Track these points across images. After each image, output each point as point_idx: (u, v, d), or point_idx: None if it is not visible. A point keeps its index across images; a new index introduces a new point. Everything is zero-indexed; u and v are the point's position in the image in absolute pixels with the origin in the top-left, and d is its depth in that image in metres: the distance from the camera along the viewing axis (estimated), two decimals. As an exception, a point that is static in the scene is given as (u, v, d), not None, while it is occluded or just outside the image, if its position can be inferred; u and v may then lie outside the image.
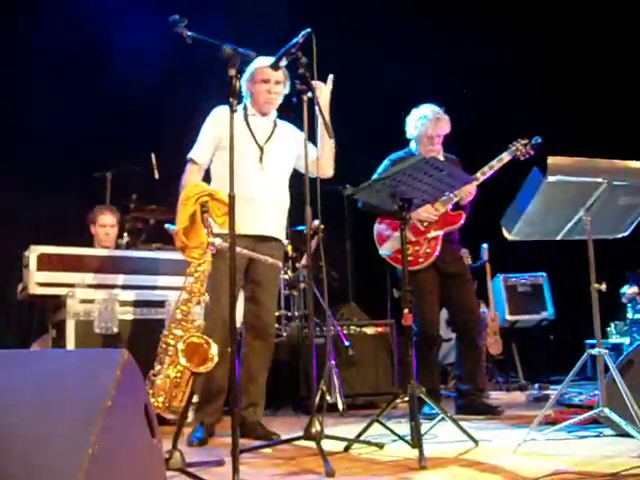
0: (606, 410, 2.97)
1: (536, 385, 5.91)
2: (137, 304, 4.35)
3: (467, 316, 4.53)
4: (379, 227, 4.61)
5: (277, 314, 6.22)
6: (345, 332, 5.15)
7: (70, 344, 4.08)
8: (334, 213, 6.48)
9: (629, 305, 6.25)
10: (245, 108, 3.85)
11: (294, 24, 3.40)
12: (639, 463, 2.64)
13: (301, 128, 3.34)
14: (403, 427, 3.44)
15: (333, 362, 4.84)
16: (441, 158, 4.51)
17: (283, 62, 3.36)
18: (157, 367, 2.72)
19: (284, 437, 3.44)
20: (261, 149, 3.76)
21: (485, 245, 6.22)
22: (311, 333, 3.34)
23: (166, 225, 3.49)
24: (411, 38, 7.10)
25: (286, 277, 6.27)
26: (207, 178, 3.86)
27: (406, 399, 3.26)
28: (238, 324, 4.12)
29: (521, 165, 4.39)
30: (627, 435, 2.99)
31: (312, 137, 3.28)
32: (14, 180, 6.10)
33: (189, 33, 2.91)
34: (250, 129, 3.79)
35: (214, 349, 2.61)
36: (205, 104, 3.99)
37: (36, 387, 1.63)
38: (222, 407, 3.78)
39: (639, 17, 6.99)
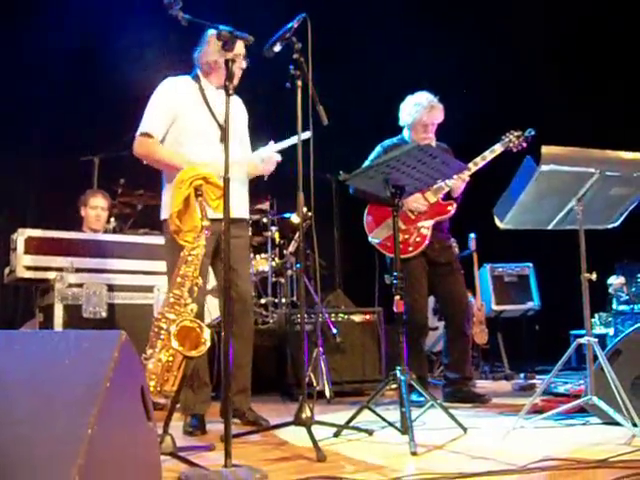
0: (594, 398, 2.99)
1: (521, 374, 5.95)
2: (126, 289, 4.35)
3: (455, 305, 4.55)
4: (367, 217, 4.61)
5: (264, 301, 6.25)
6: (333, 319, 5.16)
7: (58, 328, 4.06)
8: (322, 201, 6.49)
9: (614, 296, 6.30)
10: (197, 79, 3.65)
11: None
12: (627, 450, 2.68)
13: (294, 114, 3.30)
14: (391, 414, 3.46)
15: (321, 349, 4.86)
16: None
17: (277, 47, 3.31)
18: (149, 351, 2.71)
19: (273, 423, 3.44)
20: (220, 126, 3.53)
21: (472, 235, 6.25)
22: (302, 321, 3.32)
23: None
24: (411, 29, 7.11)
25: (273, 264, 6.28)
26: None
27: (394, 386, 3.27)
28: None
29: (511, 156, 4.41)
30: (613, 423, 3.02)
31: (305, 123, 3.25)
32: (1, 164, 6.04)
33: (184, 16, 2.86)
34: (208, 104, 3.58)
35: (206, 333, 2.61)
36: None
37: (33, 368, 1.62)
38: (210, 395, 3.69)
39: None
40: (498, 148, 4.51)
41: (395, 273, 3.27)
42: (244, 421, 3.62)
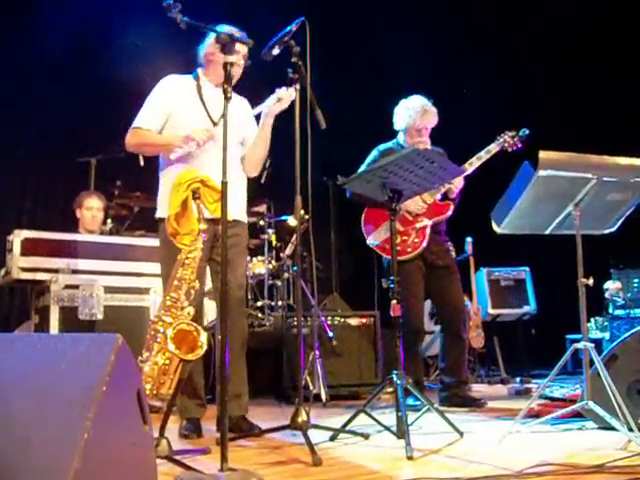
0: (591, 403, 2.99)
1: (517, 379, 5.96)
2: (122, 291, 4.33)
3: (453, 309, 4.54)
4: (365, 220, 4.59)
5: (260, 304, 6.24)
6: (329, 323, 5.15)
7: (54, 330, 4.06)
8: (319, 204, 6.49)
9: (610, 301, 6.31)
10: (197, 77, 3.65)
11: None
12: (623, 455, 2.68)
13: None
14: (388, 418, 3.45)
15: (317, 352, 4.85)
16: None
17: (276, 51, 3.31)
18: (145, 354, 2.70)
19: (269, 427, 3.41)
20: (214, 125, 3.51)
21: (469, 239, 6.25)
22: (299, 324, 3.31)
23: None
24: (411, 32, 7.14)
25: (270, 267, 6.28)
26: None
27: (390, 390, 3.27)
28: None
29: (508, 160, 4.41)
30: (609, 428, 3.02)
31: (303, 125, 3.24)
32: (-3, 165, 6.05)
33: (184, 18, 2.84)
34: (203, 102, 3.57)
35: (203, 337, 2.60)
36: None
37: (29, 371, 1.61)
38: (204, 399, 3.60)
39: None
40: (493, 148, 4.52)
41: (392, 277, 3.27)
42: (237, 431, 3.41)
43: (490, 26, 7.46)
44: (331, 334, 5.03)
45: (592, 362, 3.05)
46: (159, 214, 3.54)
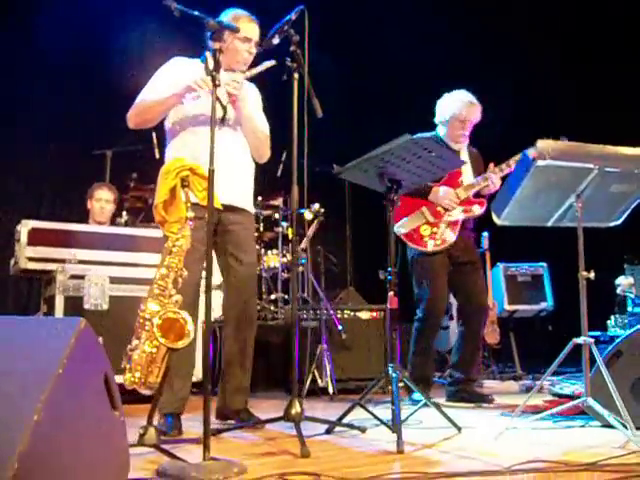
0: (589, 400, 2.92)
1: (530, 375, 5.87)
2: (127, 281, 4.33)
3: (477, 306, 4.46)
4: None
5: (274, 297, 6.23)
6: (339, 316, 5.12)
7: (59, 320, 4.08)
8: (334, 197, 6.46)
9: (623, 297, 6.18)
10: (205, 61, 3.50)
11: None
12: (618, 454, 2.60)
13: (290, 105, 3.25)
14: (389, 412, 3.40)
15: (325, 346, 4.83)
16: (465, 149, 4.53)
17: (275, 40, 3.29)
18: (134, 342, 2.69)
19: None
20: (224, 108, 3.46)
21: (485, 233, 6.16)
22: (294, 315, 3.29)
23: None
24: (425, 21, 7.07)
25: (284, 260, 6.26)
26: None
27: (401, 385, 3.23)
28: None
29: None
30: (613, 426, 2.94)
31: (301, 115, 3.21)
32: (15, 157, 6.11)
33: (177, 6, 2.83)
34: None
35: (190, 325, 2.59)
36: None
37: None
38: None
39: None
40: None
41: (389, 269, 3.23)
42: (237, 422, 3.49)
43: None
44: (340, 327, 4.99)
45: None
46: None
